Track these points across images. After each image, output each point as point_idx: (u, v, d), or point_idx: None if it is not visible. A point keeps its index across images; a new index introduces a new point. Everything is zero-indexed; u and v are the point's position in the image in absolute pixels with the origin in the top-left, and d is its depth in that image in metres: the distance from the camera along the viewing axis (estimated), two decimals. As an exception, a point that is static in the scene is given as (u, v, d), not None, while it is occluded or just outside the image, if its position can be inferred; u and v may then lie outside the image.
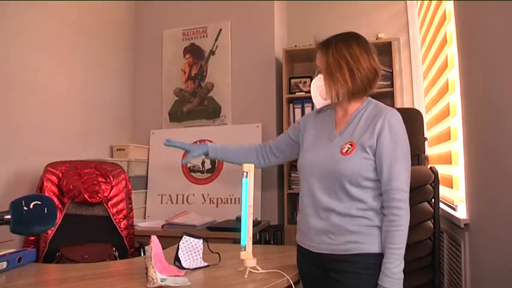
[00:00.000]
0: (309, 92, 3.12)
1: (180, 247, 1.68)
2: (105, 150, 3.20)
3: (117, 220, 2.40)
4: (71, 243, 2.22)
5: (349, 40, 1.46)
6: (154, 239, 1.53)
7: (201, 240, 1.74)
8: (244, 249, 1.54)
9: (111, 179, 2.41)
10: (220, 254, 1.75)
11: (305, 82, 3.21)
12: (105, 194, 2.37)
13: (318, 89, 1.50)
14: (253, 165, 1.57)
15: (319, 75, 1.50)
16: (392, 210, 1.36)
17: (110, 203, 2.41)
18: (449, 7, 2.11)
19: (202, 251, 1.73)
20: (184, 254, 1.68)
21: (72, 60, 2.92)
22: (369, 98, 1.52)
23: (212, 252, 1.74)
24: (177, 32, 3.54)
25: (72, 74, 2.91)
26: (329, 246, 1.42)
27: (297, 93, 3.18)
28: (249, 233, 1.54)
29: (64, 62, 2.84)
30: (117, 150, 3.18)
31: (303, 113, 3.16)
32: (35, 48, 2.59)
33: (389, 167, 1.37)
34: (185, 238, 1.71)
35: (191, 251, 1.71)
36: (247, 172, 1.56)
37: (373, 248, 1.38)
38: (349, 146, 1.42)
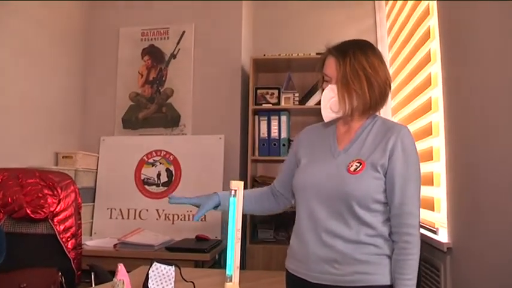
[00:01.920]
0: (277, 104, 3.09)
1: (149, 276, 1.44)
2: (49, 157, 2.82)
3: (64, 239, 2.06)
4: (4, 270, 1.83)
5: (365, 48, 1.34)
6: (121, 268, 1.29)
7: (173, 267, 1.51)
8: (230, 280, 1.32)
9: (59, 191, 2.08)
10: (194, 282, 1.53)
11: (272, 94, 3.07)
12: (51, 209, 2.03)
13: (328, 100, 1.34)
14: (242, 183, 1.37)
15: (330, 86, 1.34)
16: (404, 237, 1.24)
17: (56, 219, 2.06)
18: (433, 24, 2.07)
19: (174, 279, 1.50)
20: (154, 284, 1.45)
21: (14, 55, 2.55)
22: (375, 113, 1.40)
23: (186, 280, 1.52)
24: (136, 31, 3.27)
25: (13, 70, 2.54)
26: (332, 277, 1.26)
27: (263, 105, 3.02)
28: (236, 261, 1.33)
29: (3, 58, 2.47)
30: (63, 157, 2.83)
31: (268, 126, 3.01)
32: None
33: (401, 189, 1.25)
34: (156, 265, 1.47)
35: (162, 279, 1.48)
36: (235, 190, 1.35)
37: (383, 279, 1.24)
38: (358, 164, 1.27)
